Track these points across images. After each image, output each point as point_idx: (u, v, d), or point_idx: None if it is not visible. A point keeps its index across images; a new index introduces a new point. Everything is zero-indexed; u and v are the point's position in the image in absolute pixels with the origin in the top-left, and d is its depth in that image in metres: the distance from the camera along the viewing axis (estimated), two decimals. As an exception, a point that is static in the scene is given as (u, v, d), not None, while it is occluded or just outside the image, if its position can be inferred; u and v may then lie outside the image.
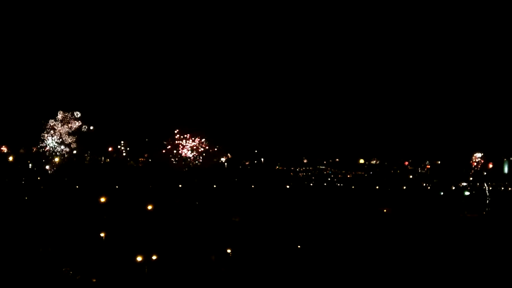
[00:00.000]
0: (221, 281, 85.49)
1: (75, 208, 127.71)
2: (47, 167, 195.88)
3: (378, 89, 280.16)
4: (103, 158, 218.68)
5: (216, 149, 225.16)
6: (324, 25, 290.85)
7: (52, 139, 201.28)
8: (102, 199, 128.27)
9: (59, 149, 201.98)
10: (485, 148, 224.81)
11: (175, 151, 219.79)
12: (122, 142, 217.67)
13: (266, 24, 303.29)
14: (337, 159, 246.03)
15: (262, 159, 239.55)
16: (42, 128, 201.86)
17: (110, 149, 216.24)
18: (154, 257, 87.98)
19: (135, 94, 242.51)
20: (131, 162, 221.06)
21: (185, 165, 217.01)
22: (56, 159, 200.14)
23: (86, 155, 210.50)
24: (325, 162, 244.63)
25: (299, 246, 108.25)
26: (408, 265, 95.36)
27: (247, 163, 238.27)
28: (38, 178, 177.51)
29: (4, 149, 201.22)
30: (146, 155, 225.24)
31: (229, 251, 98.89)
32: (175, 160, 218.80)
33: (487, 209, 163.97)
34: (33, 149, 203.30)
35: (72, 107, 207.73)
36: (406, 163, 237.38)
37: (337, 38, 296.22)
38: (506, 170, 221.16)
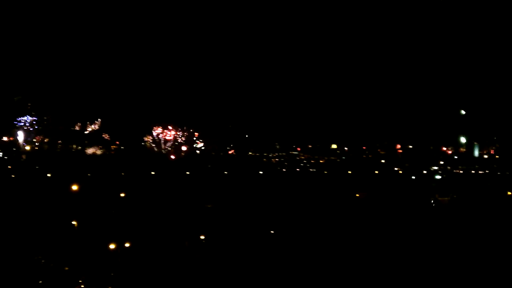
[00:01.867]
0: (194, 266, 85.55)
1: (47, 196, 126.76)
2: (19, 155, 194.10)
3: (349, 74, 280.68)
4: (74, 145, 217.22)
5: (188, 136, 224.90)
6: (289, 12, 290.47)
7: (23, 127, 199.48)
8: (74, 187, 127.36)
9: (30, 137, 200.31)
10: (456, 132, 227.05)
11: (148, 138, 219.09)
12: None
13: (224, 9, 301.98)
14: (310, 145, 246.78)
15: (234, 145, 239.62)
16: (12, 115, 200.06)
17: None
18: (127, 245, 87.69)
19: (108, 79, 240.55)
20: (103, 149, 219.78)
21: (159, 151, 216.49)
22: (27, 147, 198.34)
23: (58, 142, 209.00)
24: (298, 148, 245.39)
25: (272, 232, 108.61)
26: (381, 248, 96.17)
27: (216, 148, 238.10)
28: (9, 166, 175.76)
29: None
30: (117, 142, 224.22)
31: (202, 237, 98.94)
32: (148, 147, 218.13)
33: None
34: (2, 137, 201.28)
35: (45, 93, 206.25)
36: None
37: (304, 26, 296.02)
38: (476, 153, 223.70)
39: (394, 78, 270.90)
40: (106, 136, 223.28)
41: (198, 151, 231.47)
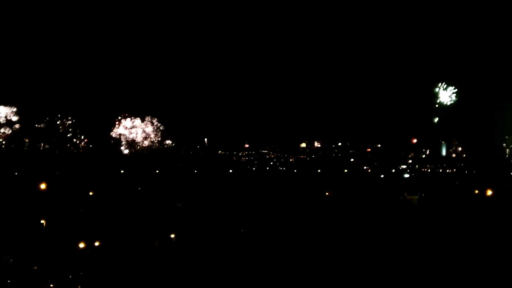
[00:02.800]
0: (164, 265, 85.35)
1: (14, 195, 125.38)
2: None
3: (317, 73, 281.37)
4: (42, 144, 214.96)
5: (160, 135, 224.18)
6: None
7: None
8: (42, 186, 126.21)
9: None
10: (423, 131, 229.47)
11: (117, 137, 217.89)
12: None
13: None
14: (279, 143, 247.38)
15: (205, 143, 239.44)
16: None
17: None
18: (96, 244, 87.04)
19: (76, 77, 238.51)
20: (71, 148, 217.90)
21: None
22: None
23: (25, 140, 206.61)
24: (267, 146, 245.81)
25: (242, 230, 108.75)
26: (350, 246, 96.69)
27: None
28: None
29: None
30: (86, 140, 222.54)
31: (172, 236, 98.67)
32: (117, 146, 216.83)
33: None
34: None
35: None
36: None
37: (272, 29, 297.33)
38: (443, 152, 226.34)
39: (364, 79, 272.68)
40: (75, 135, 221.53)
41: (167, 150, 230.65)
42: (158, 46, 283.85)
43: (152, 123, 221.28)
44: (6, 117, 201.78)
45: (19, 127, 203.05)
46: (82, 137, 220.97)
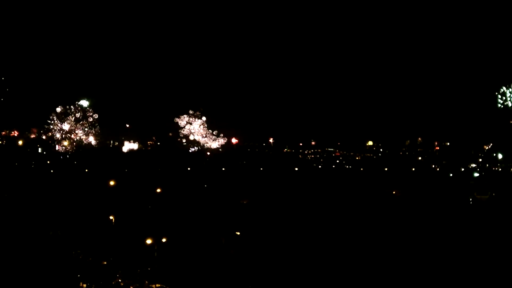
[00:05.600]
0: (230, 263, 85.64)
1: (85, 191, 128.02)
2: (57, 151, 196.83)
3: (385, 72, 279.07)
4: (111, 141, 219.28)
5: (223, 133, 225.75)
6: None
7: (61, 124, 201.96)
8: (111, 182, 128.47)
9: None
10: (495, 130, 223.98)
11: (184, 134, 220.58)
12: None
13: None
14: (346, 142, 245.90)
15: (271, 142, 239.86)
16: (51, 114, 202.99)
17: None
18: (163, 240, 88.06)
19: (142, 79, 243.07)
20: (140, 145, 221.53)
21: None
22: (66, 143, 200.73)
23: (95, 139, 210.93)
24: (333, 144, 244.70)
25: (307, 228, 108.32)
26: (418, 247, 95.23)
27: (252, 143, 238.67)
28: (48, 162, 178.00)
29: (15, 133, 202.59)
30: (154, 138, 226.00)
31: (238, 233, 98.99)
32: (184, 143, 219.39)
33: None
34: (42, 134, 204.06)
35: (79, 94, 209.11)
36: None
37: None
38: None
39: (430, 76, 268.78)
40: (142, 132, 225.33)
41: (233, 148, 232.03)
42: (225, 44, 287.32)
43: (219, 121, 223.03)
44: (78, 117, 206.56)
45: (91, 125, 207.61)
46: (150, 135, 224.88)
